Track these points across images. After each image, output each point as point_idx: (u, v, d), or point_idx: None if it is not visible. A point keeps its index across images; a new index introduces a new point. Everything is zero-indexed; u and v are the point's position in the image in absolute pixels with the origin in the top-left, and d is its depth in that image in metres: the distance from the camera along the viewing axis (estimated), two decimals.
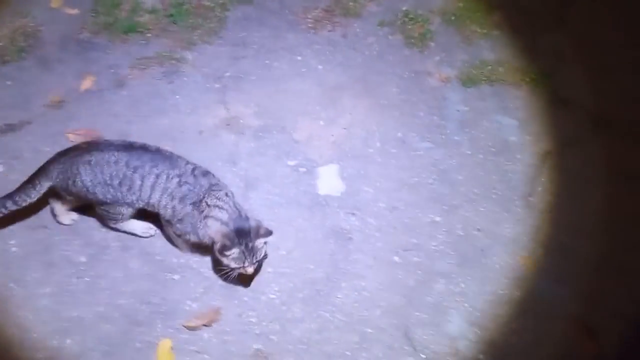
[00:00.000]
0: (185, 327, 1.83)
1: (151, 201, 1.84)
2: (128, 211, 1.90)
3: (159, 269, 1.97)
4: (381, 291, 1.96)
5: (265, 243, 1.79)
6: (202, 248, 1.93)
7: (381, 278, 1.99)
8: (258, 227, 1.77)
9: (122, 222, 1.94)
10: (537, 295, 1.98)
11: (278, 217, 2.12)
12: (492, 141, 2.46)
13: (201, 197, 1.80)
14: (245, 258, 1.74)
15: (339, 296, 1.95)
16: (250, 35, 2.72)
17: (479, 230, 2.15)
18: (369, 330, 1.87)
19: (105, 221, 1.97)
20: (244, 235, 1.74)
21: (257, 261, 1.78)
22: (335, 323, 1.88)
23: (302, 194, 2.21)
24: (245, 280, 1.90)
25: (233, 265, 1.76)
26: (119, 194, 1.82)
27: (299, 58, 2.67)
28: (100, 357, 1.77)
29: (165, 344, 1.80)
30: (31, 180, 1.85)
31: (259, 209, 2.11)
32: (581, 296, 1.98)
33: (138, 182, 1.80)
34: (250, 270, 1.78)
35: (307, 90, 2.56)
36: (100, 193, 1.83)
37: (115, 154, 1.81)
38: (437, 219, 2.18)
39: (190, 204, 1.80)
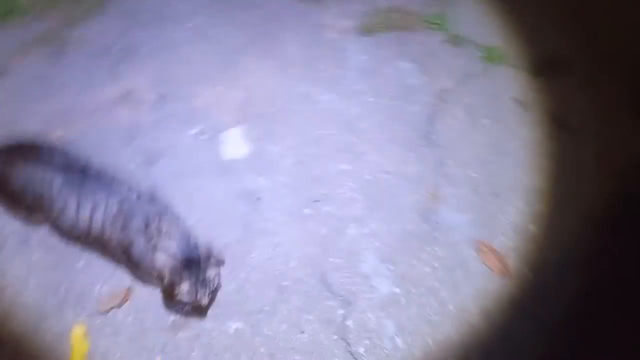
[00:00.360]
0: (97, 311, 1.77)
1: (93, 230, 1.66)
2: None
3: (63, 258, 1.89)
4: (295, 244, 1.97)
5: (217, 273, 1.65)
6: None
7: (294, 232, 2.01)
8: (208, 254, 1.63)
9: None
10: (443, 225, 2.06)
11: (184, 188, 2.07)
12: (393, 86, 2.51)
13: (148, 222, 1.63)
14: (197, 291, 1.59)
15: (253, 255, 1.94)
16: (137, 5, 2.60)
17: (386, 172, 2.20)
18: (286, 283, 1.89)
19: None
20: (193, 266, 1.58)
21: (210, 293, 1.63)
22: (252, 281, 1.89)
23: (207, 161, 2.17)
24: (200, 312, 1.74)
25: (185, 299, 1.60)
26: (48, 208, 1.69)
27: (191, 25, 2.58)
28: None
29: (78, 330, 1.74)
30: None
31: (163, 182, 2.05)
32: (482, 221, 2.08)
33: (73, 209, 1.65)
34: (204, 301, 1.63)
35: (204, 56, 2.50)
36: (29, 201, 1.72)
37: (52, 173, 1.66)
38: (345, 167, 2.21)
39: (136, 232, 1.62)
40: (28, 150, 1.71)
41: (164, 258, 1.58)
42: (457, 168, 2.24)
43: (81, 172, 1.67)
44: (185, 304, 1.62)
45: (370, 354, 1.76)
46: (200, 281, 1.59)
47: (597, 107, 2.43)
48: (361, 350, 1.76)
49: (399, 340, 1.79)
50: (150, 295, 1.82)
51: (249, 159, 2.19)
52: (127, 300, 1.80)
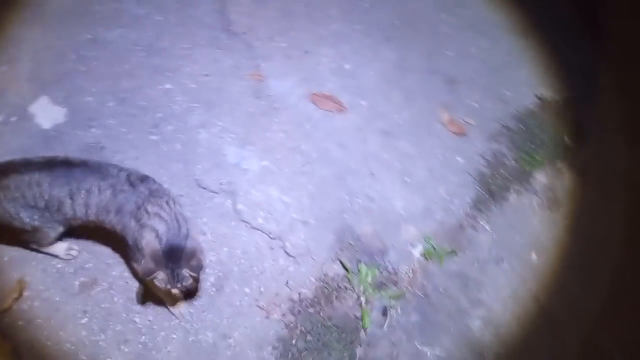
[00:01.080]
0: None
1: (90, 218, 1.58)
2: (57, 232, 1.67)
3: None
4: (158, 169, 2.02)
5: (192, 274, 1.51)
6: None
7: (151, 158, 2.04)
8: (192, 253, 1.48)
9: (48, 245, 1.71)
10: (276, 95, 2.26)
11: None
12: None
13: (140, 204, 1.53)
14: (169, 283, 1.48)
15: None
16: None
17: (205, 75, 2.29)
18: None
19: (27, 244, 1.73)
20: (174, 258, 1.47)
21: (182, 287, 1.52)
22: None
23: (29, 140, 2.04)
24: (173, 301, 1.70)
25: (157, 284, 1.49)
26: (47, 214, 1.58)
27: None
28: None
29: None
30: None
31: None
32: (306, 77, 2.32)
33: (68, 202, 1.55)
34: (175, 292, 1.55)
35: None
36: (26, 217, 1.59)
37: (36, 174, 1.55)
38: (168, 86, 2.25)
39: (129, 215, 1.53)
40: (2, 168, 1.59)
41: (151, 238, 1.49)
42: (264, 44, 2.41)
43: (64, 164, 1.58)
44: (158, 289, 1.55)
45: (269, 221, 1.95)
46: (174, 275, 1.48)
47: None
48: (260, 221, 1.94)
49: (285, 198, 2.01)
50: (46, 276, 1.77)
51: (71, 118, 2.11)
52: (23, 290, 1.73)
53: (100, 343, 1.68)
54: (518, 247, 2.00)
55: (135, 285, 1.76)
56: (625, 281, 1.80)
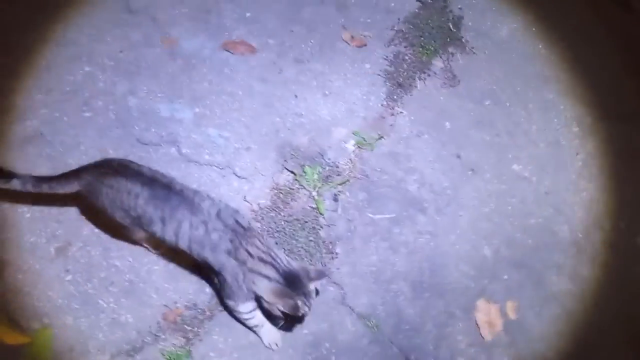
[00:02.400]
0: None
1: (180, 247, 1.62)
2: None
3: None
4: (97, 139, 2.15)
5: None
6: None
7: (90, 132, 2.16)
8: (306, 270, 1.59)
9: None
10: (189, 54, 2.44)
11: None
12: None
13: (237, 244, 1.57)
14: (305, 305, 1.56)
15: None
16: None
17: (120, 51, 2.43)
18: None
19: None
20: (298, 284, 1.55)
21: (311, 302, 1.61)
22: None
23: None
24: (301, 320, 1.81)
25: (301, 312, 1.58)
26: (137, 222, 1.66)
27: None
28: None
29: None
30: (66, 175, 1.75)
31: None
32: (214, 30, 2.50)
33: (159, 224, 1.61)
34: (307, 311, 1.61)
35: None
36: (119, 217, 1.68)
37: (138, 187, 1.61)
38: (87, 69, 2.37)
39: (225, 253, 1.57)
40: (117, 166, 1.70)
41: (266, 283, 1.55)
42: (167, 13, 2.58)
43: (166, 188, 1.62)
44: (287, 316, 1.64)
45: (215, 155, 2.14)
46: (306, 295, 1.57)
47: None
48: (207, 157, 2.13)
49: (224, 134, 2.20)
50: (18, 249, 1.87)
51: (2, 117, 2.20)
52: None
53: (89, 291, 1.82)
54: (432, 121, 2.30)
55: (107, 237, 1.90)
56: None
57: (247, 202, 2.03)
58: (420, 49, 2.50)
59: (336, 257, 1.96)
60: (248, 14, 2.64)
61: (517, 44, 2.54)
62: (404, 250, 2.00)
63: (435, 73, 2.45)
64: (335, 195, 2.07)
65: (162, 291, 1.86)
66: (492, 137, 2.29)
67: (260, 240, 1.59)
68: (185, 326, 1.80)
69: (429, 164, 2.21)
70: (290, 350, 1.80)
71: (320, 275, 1.61)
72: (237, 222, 1.59)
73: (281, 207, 2.03)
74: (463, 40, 2.54)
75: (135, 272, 1.87)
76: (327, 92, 2.37)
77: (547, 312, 1.91)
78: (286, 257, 1.60)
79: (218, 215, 1.58)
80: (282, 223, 1.98)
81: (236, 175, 2.10)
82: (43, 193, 1.77)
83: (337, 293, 1.91)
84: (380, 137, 2.24)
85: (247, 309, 1.65)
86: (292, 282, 1.55)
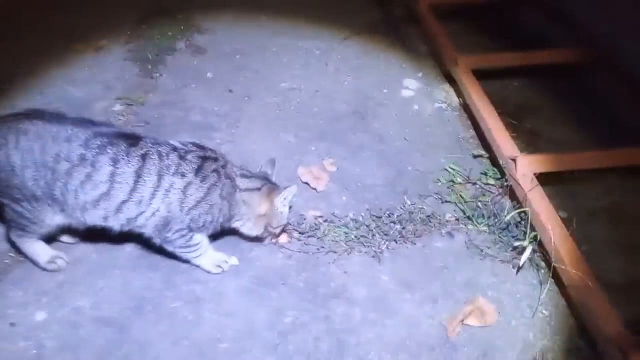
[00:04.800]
0: None
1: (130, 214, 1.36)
2: (54, 220, 1.36)
3: None
4: None
5: None
6: None
7: None
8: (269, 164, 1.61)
9: (32, 236, 1.39)
10: None
11: None
12: None
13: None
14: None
15: None
16: None
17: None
18: None
19: (11, 229, 1.41)
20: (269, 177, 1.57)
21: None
22: None
23: None
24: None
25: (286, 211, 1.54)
26: (57, 186, 1.29)
27: None
28: None
29: None
30: None
31: None
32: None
33: (104, 174, 1.30)
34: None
35: None
36: (28, 180, 1.28)
37: (70, 127, 1.29)
38: None
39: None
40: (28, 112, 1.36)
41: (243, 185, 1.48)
42: None
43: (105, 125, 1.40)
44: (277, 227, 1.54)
45: None
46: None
47: None
48: None
49: None
50: None
51: None
52: None
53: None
54: (194, 75, 2.38)
55: None
56: None
57: None
58: (158, 38, 2.58)
59: None
60: None
61: (243, 19, 2.82)
62: None
63: (181, 49, 2.54)
64: None
65: None
66: (253, 73, 2.42)
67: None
68: None
69: (205, 101, 2.21)
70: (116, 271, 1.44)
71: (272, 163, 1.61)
72: (199, 151, 1.44)
73: None
74: (197, 25, 2.71)
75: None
76: (74, 81, 2.24)
77: (359, 157, 1.97)
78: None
79: (183, 155, 1.40)
80: None
81: None
82: None
83: None
84: (147, 93, 2.18)
85: (199, 237, 1.45)
86: (267, 178, 1.55)
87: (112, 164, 1.30)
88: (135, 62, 2.40)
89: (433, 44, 2.53)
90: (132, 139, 1.34)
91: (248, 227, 1.52)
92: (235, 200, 1.45)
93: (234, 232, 1.56)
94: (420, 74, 2.45)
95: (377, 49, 2.64)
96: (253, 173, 1.54)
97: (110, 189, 1.30)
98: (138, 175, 1.31)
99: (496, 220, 1.69)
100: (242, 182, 1.47)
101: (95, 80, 2.26)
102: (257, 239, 1.58)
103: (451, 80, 2.34)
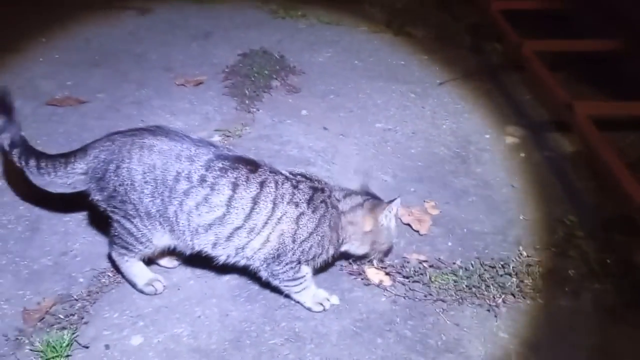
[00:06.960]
0: None
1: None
2: (161, 241, 1.33)
3: None
4: None
5: None
6: None
7: None
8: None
9: (134, 256, 1.36)
10: None
11: None
12: None
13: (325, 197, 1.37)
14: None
15: None
16: None
17: None
18: None
19: (114, 246, 1.37)
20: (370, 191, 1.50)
21: None
22: None
23: None
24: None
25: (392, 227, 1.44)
26: (173, 204, 1.26)
27: None
28: None
29: None
30: (65, 155, 1.35)
31: None
32: None
33: (222, 198, 1.26)
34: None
35: None
36: (146, 196, 1.26)
37: (193, 147, 1.27)
38: None
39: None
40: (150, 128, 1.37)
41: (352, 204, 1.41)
42: None
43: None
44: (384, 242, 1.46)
45: None
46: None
47: None
48: None
49: None
50: None
51: None
52: None
53: None
54: (289, 112, 2.36)
55: None
56: None
57: None
58: (255, 75, 2.62)
59: None
60: (69, 83, 2.51)
61: (337, 62, 2.83)
62: None
63: (276, 87, 2.56)
64: None
65: (15, 299, 1.32)
66: (347, 113, 2.38)
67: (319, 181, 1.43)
68: (61, 316, 1.28)
69: (301, 136, 2.18)
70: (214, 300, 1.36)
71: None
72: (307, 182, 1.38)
73: None
74: (291, 66, 2.75)
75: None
76: (174, 113, 2.29)
77: (463, 202, 1.84)
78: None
79: (297, 184, 1.36)
80: None
81: None
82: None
83: None
84: (245, 127, 2.18)
85: (306, 270, 1.38)
86: (368, 192, 1.49)
87: (231, 188, 1.25)
88: (233, 97, 2.43)
89: (541, 90, 2.40)
90: (252, 165, 1.30)
91: (355, 246, 1.43)
92: (341, 226, 1.37)
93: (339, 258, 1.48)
94: (524, 121, 2.32)
95: (475, 95, 2.55)
96: (352, 190, 1.46)
97: (226, 214, 1.25)
98: (255, 202, 1.26)
99: (628, 279, 1.49)
100: (344, 205, 1.39)
101: (195, 111, 2.31)
102: (364, 258, 1.48)
103: (562, 128, 2.19)
